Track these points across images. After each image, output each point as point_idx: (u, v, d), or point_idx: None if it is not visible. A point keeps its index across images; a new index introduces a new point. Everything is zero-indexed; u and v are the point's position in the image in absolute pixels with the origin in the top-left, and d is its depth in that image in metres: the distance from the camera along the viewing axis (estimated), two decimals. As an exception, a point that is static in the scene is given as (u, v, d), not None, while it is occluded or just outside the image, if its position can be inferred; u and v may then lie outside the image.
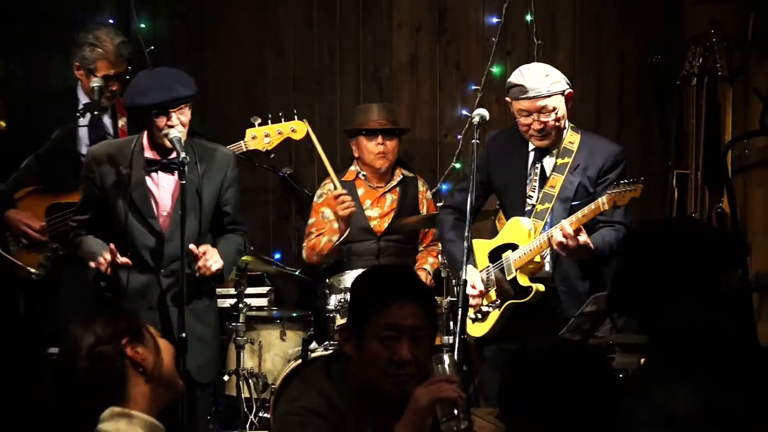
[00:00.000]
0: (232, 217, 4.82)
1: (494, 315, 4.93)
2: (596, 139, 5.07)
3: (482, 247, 5.03)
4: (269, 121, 5.49)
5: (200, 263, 4.61)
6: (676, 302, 2.89)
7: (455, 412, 3.04)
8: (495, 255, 4.96)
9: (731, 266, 4.15)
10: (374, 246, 6.09)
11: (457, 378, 3.10)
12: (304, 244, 6.20)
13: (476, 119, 4.88)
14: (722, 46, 5.71)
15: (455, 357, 4.63)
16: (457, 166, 6.69)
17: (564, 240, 4.61)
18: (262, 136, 5.46)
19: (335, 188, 5.88)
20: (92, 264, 4.66)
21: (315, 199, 6.28)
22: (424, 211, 6.18)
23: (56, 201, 5.47)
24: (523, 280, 4.85)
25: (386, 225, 6.15)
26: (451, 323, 5.39)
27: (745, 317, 5.09)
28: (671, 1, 6.47)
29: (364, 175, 6.21)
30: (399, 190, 6.23)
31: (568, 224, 4.62)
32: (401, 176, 6.22)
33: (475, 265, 4.96)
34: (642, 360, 3.87)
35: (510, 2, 6.61)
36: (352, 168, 6.26)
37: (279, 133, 5.49)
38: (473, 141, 4.85)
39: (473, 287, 4.91)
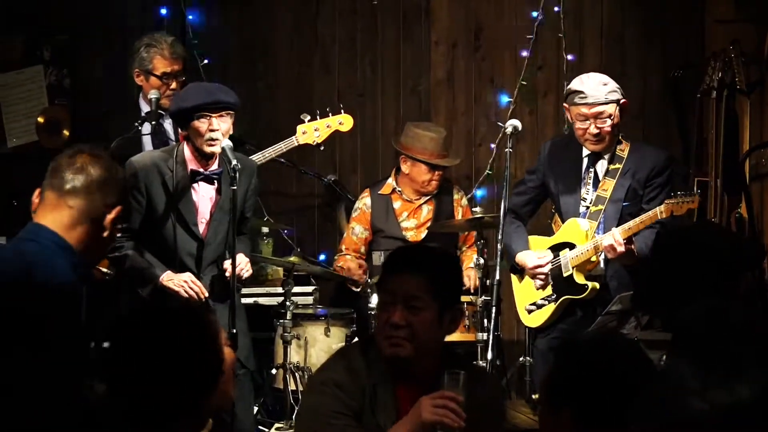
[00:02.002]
0: (251, 221, 5.00)
1: (550, 308, 5.14)
2: (645, 146, 5.28)
3: (540, 244, 5.23)
4: (317, 117, 5.63)
5: (237, 272, 4.72)
6: (696, 301, 2.89)
7: None
8: (552, 252, 5.15)
9: (749, 268, 4.35)
10: (411, 254, 6.19)
11: (463, 398, 3.17)
12: (336, 258, 6.35)
13: (509, 129, 5.08)
14: (740, 61, 5.85)
15: (489, 354, 4.91)
16: (491, 173, 6.83)
17: (613, 244, 4.81)
18: (311, 131, 5.59)
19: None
20: (162, 282, 4.78)
21: (352, 212, 6.38)
22: (459, 216, 6.23)
23: None
24: (579, 278, 5.05)
25: (422, 235, 6.22)
26: (486, 321, 5.51)
27: (761, 316, 5.27)
28: (693, 19, 6.64)
29: (400, 191, 6.28)
30: (434, 200, 6.27)
31: (618, 232, 4.83)
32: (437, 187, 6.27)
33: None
34: (663, 356, 4.10)
35: (541, 20, 6.76)
36: (390, 181, 6.31)
37: (327, 127, 5.63)
38: (506, 150, 5.07)
39: (539, 259, 5.09)
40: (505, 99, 6.87)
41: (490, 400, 3.42)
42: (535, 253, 5.17)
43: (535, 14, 6.80)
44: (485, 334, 5.38)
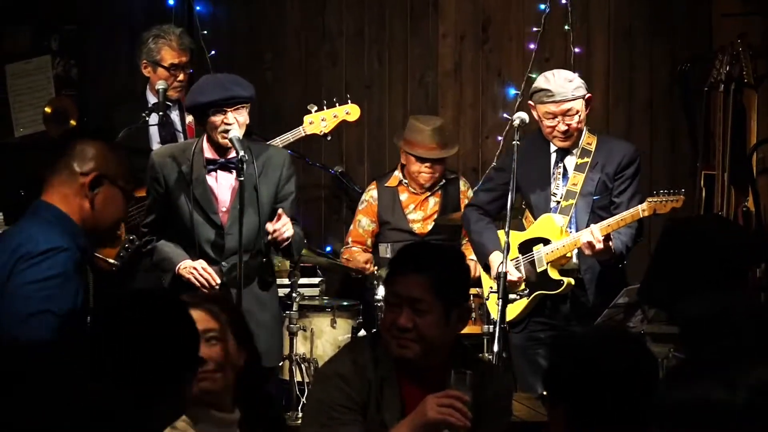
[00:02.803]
0: (287, 213, 4.89)
1: (521, 303, 5.11)
2: (612, 139, 5.30)
3: (512, 239, 5.11)
4: (324, 107, 5.63)
5: (276, 226, 4.70)
6: (703, 294, 2.96)
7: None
8: (525, 248, 5.14)
9: (756, 261, 4.37)
10: (418, 245, 6.26)
11: (470, 398, 3.15)
12: (342, 250, 6.34)
13: (516, 122, 5.03)
14: (748, 55, 5.87)
15: (495, 346, 4.91)
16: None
17: (592, 241, 4.80)
18: (318, 121, 5.58)
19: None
20: (178, 271, 4.79)
21: (358, 204, 6.40)
22: None
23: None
24: (554, 274, 5.04)
25: (429, 228, 6.22)
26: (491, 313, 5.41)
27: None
28: (700, 13, 6.65)
29: (407, 183, 6.28)
30: (441, 192, 6.26)
31: (598, 229, 4.81)
32: (443, 179, 6.27)
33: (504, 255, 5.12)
34: (671, 349, 3.98)
35: (549, 13, 6.76)
36: (397, 173, 6.32)
37: (334, 117, 5.61)
38: (513, 142, 5.01)
39: (510, 274, 4.97)
40: (512, 91, 6.87)
41: (495, 397, 3.41)
42: (510, 263, 5.09)
43: (542, 7, 6.80)
44: (491, 327, 5.38)
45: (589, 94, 5.08)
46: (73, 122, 6.74)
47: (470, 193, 6.34)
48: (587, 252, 4.86)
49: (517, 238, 5.19)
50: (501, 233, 5.16)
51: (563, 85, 5.02)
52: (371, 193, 6.29)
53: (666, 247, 3.41)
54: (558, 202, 5.10)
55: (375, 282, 5.98)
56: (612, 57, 6.79)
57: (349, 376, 3.31)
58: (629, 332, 3.75)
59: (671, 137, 6.71)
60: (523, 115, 5.12)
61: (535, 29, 6.83)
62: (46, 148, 6.66)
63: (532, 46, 6.83)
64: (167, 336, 2.54)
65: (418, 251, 3.52)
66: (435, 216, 6.24)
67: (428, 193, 6.27)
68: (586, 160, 5.09)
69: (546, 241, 5.08)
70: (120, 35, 6.88)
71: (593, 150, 5.09)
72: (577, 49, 6.77)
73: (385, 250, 6.19)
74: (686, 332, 2.84)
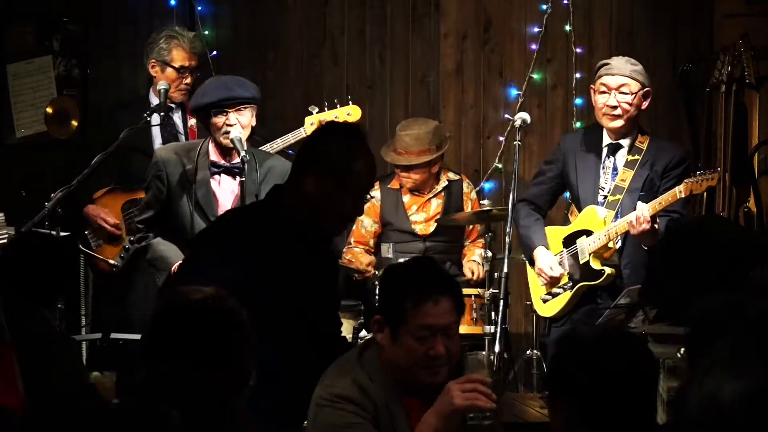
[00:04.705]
0: None
1: (565, 296, 5.13)
2: (664, 141, 5.35)
3: (556, 234, 5.24)
4: (326, 108, 5.63)
5: None
6: (706, 294, 2.94)
7: (485, 413, 3.13)
8: (569, 241, 5.17)
9: (757, 261, 4.38)
10: (420, 246, 6.16)
11: (491, 379, 3.17)
12: (344, 250, 6.32)
13: (518, 122, 5.11)
14: (750, 55, 5.82)
15: (496, 347, 4.96)
16: (500, 166, 6.84)
17: (640, 218, 4.79)
18: (319, 123, 5.51)
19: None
20: (173, 270, 4.75)
21: None
22: (468, 209, 6.21)
23: (132, 197, 5.68)
24: (596, 264, 5.05)
25: (431, 229, 6.20)
26: (493, 313, 5.50)
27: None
28: (703, 13, 6.66)
29: None
30: (444, 193, 6.25)
31: (646, 208, 4.81)
32: (446, 181, 6.25)
33: (548, 249, 5.17)
34: (681, 350, 4.13)
35: (550, 14, 6.78)
36: None
37: (335, 118, 5.57)
38: (515, 143, 5.10)
39: (551, 269, 5.10)
40: (514, 92, 6.88)
41: None
42: (553, 259, 5.17)
43: (544, 7, 6.81)
44: (492, 327, 5.40)
45: (648, 88, 5.10)
46: (74, 123, 6.77)
47: (473, 195, 6.36)
48: (633, 231, 4.86)
49: (561, 232, 5.23)
50: (549, 229, 5.25)
51: (624, 63, 5.11)
52: (374, 194, 6.28)
53: (668, 248, 3.41)
54: (605, 197, 5.12)
55: (376, 283, 5.93)
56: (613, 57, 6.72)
57: (355, 398, 3.23)
58: (630, 333, 3.68)
59: (673, 138, 6.62)
60: (524, 115, 5.17)
61: (536, 29, 6.84)
62: (47, 148, 6.73)
63: (533, 46, 6.84)
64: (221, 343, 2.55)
65: (433, 275, 3.36)
66: (437, 217, 6.23)
67: (431, 195, 6.26)
68: (636, 157, 5.11)
69: (589, 233, 5.10)
70: (122, 35, 6.88)
71: (645, 148, 5.11)
72: (578, 50, 6.78)
73: (387, 250, 6.20)
74: (696, 334, 2.83)
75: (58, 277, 4.12)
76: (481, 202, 6.22)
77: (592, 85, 5.16)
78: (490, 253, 5.74)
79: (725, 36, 6.29)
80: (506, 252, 4.99)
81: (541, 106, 6.81)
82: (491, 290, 5.63)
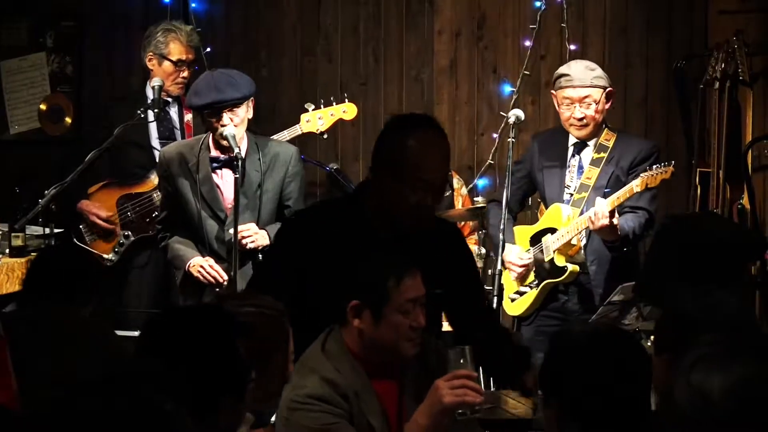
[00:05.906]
0: (292, 210, 4.94)
1: (532, 294, 5.16)
2: (632, 136, 5.35)
3: (523, 233, 5.26)
4: (321, 105, 5.65)
5: (243, 233, 4.77)
6: (699, 291, 2.97)
7: (474, 407, 3.18)
8: (535, 240, 5.19)
9: (751, 258, 4.38)
10: (410, 242, 6.21)
11: (476, 372, 3.22)
12: None
13: (512, 119, 5.13)
14: (743, 52, 5.87)
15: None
16: (493, 162, 6.82)
17: (598, 214, 4.81)
18: (315, 120, 5.58)
19: None
20: (188, 269, 4.86)
21: None
22: (459, 206, 6.21)
23: (127, 192, 5.68)
24: (560, 261, 5.08)
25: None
26: None
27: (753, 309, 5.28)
28: (697, 10, 6.64)
29: None
30: None
31: (605, 203, 4.83)
32: None
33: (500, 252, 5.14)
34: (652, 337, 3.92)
35: (544, 10, 6.76)
36: None
37: (331, 115, 5.63)
38: (509, 139, 5.10)
39: (520, 258, 5.12)
40: (507, 88, 6.87)
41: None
42: (521, 250, 5.21)
43: (538, 4, 6.80)
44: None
45: (610, 88, 5.11)
46: (68, 120, 6.77)
47: (464, 191, 6.37)
48: (592, 227, 4.88)
49: (529, 231, 5.25)
50: (517, 228, 5.28)
51: (583, 72, 5.08)
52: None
53: (661, 244, 3.41)
54: (571, 195, 5.14)
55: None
56: (607, 54, 6.78)
57: (325, 395, 3.25)
58: (623, 330, 3.71)
59: (666, 134, 6.69)
60: (518, 112, 5.19)
61: (530, 26, 6.82)
62: (41, 145, 6.73)
63: (527, 43, 6.82)
64: (212, 348, 2.50)
65: (400, 255, 3.44)
66: (428, 213, 6.20)
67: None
68: (602, 155, 5.13)
69: (554, 231, 5.12)
70: (116, 32, 6.86)
71: (611, 146, 5.13)
72: (572, 46, 6.76)
73: None
74: (680, 328, 2.81)
75: (94, 278, 4.08)
76: (475, 198, 6.22)
77: (553, 92, 5.16)
78: (483, 250, 5.75)
79: (719, 33, 6.28)
80: (500, 248, 5.00)
81: (534, 103, 6.80)
82: (485, 287, 5.56)
